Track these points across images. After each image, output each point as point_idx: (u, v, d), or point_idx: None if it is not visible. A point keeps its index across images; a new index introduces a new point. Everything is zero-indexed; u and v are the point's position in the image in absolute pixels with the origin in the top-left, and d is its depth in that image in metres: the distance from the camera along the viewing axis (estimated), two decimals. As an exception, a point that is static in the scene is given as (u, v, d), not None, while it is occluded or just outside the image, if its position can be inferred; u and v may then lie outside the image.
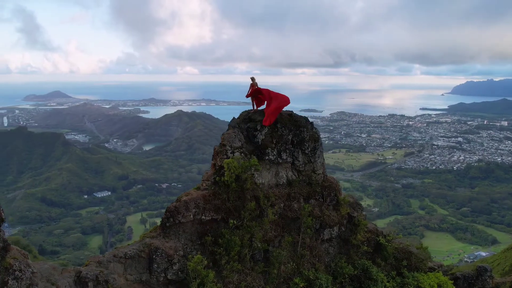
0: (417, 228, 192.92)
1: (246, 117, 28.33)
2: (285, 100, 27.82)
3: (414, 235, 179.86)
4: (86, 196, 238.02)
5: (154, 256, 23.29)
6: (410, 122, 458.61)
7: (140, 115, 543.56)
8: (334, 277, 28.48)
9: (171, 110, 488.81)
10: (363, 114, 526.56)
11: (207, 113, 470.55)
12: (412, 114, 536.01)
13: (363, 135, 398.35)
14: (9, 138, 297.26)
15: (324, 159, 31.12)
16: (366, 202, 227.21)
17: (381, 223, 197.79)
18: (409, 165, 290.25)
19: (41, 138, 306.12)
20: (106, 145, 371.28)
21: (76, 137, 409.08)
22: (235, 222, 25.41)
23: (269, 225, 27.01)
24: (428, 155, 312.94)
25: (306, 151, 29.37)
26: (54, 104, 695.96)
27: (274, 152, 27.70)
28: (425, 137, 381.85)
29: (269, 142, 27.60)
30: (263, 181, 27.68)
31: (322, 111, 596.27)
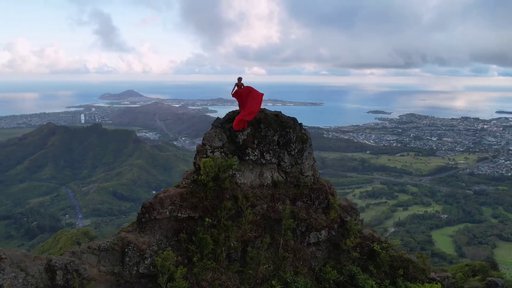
0: (488, 237, 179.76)
1: (231, 117, 28.52)
2: (257, 103, 27.56)
3: (485, 245, 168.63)
4: (154, 192, 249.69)
5: (126, 250, 24.33)
6: (485, 126, 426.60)
7: (208, 114, 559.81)
8: (318, 281, 27.77)
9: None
10: (434, 117, 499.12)
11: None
12: (487, 117, 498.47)
13: (434, 138, 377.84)
14: (86, 134, 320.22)
15: (314, 161, 30.36)
16: (434, 208, 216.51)
17: (449, 231, 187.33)
18: (482, 171, 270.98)
19: (114, 135, 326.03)
20: (175, 143, 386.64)
21: (146, 134, 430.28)
22: (210, 220, 25.74)
23: (249, 226, 26.99)
24: (503, 160, 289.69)
25: (292, 153, 28.89)
26: (127, 102, 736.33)
27: (256, 153, 27.60)
28: (500, 141, 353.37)
29: (250, 142, 27.54)
30: (245, 181, 27.70)
31: (390, 112, 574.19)
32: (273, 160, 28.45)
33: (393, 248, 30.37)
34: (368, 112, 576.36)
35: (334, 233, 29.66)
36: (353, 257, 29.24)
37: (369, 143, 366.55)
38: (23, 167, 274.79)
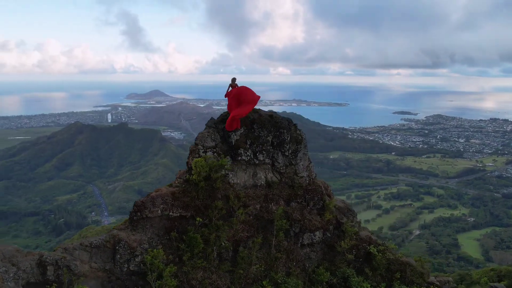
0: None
1: (224, 117, 28.64)
2: (250, 101, 27.51)
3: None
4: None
5: (117, 247, 24.80)
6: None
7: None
8: (311, 283, 27.57)
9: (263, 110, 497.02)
10: (461, 118, 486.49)
11: (297, 113, 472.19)
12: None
13: (461, 140, 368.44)
14: (112, 133, 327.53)
15: (310, 162, 30.14)
16: (461, 211, 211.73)
17: (476, 234, 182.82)
18: (511, 174, 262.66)
19: (140, 134, 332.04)
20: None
21: (172, 134, 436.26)
22: (201, 220, 25.92)
23: (241, 225, 27.05)
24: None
25: (286, 153, 28.77)
26: (153, 102, 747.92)
27: (248, 153, 27.62)
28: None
29: (243, 142, 27.59)
30: (238, 181, 27.77)
31: (417, 113, 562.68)
32: (267, 160, 28.42)
33: (390, 251, 29.83)
34: (394, 113, 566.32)
35: (329, 235, 29.38)
36: (348, 259, 28.87)
37: (395, 144, 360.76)
38: (51, 165, 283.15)
